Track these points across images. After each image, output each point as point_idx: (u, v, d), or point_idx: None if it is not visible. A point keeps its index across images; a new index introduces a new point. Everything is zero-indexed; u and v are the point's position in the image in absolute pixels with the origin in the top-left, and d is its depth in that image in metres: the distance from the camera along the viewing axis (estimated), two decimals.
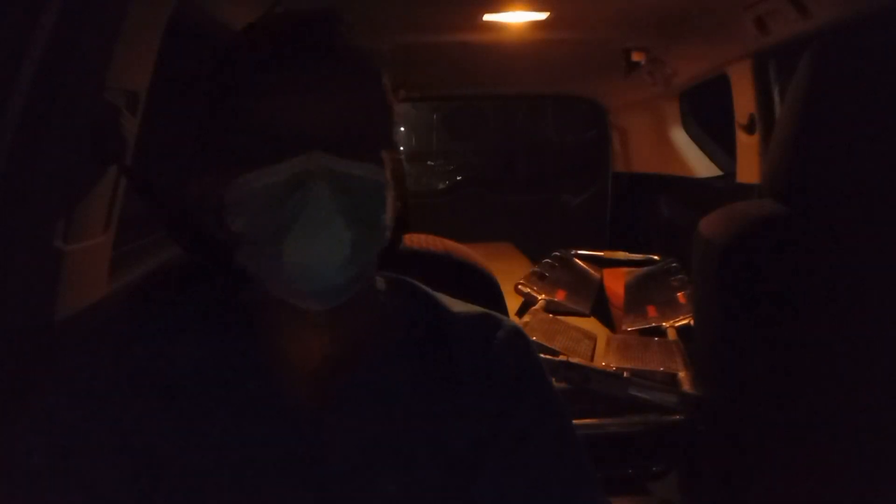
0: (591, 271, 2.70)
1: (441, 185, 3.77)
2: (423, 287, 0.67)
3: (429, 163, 3.94)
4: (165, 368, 0.57)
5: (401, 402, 0.58)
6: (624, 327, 2.07)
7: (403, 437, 0.57)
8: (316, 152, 0.50)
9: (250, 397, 0.56)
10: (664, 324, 1.97)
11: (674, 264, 2.52)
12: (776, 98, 1.86)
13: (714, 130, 2.65)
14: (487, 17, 1.83)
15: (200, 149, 0.57)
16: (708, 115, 2.69)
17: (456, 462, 0.57)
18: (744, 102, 1.94)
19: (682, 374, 1.54)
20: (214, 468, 0.55)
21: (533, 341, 0.66)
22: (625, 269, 2.66)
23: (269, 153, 0.51)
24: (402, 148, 3.99)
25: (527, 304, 2.21)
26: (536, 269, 2.50)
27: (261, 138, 0.51)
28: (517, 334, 0.63)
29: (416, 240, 0.87)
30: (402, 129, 4.38)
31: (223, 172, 0.53)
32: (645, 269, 2.62)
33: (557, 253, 2.74)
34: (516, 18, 1.84)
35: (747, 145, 1.97)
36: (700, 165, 2.68)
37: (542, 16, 1.80)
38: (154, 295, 0.72)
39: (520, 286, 2.26)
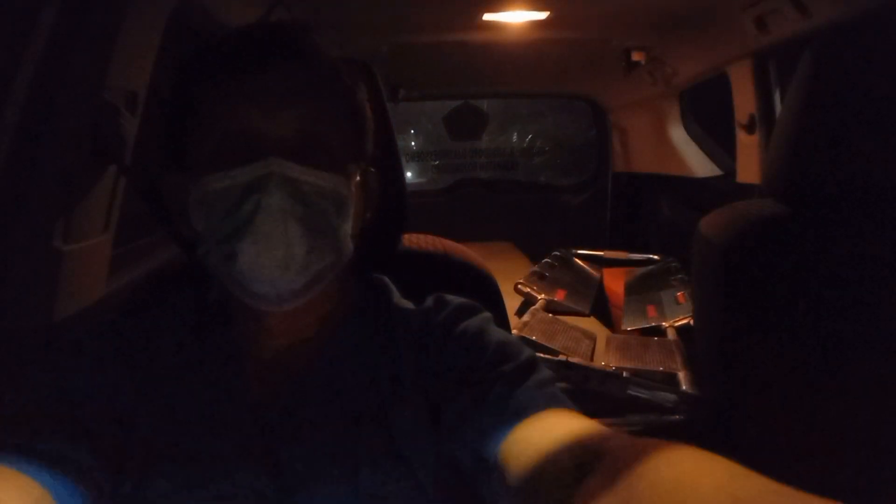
0: (591, 271, 2.70)
1: (441, 185, 3.76)
2: (384, 280, 0.69)
3: (433, 162, 3.94)
4: (145, 358, 0.59)
5: (352, 392, 0.59)
6: (624, 327, 2.07)
7: (353, 427, 0.57)
8: (274, 158, 0.51)
9: (214, 388, 0.58)
10: (664, 323, 1.97)
11: (673, 264, 2.52)
12: (776, 98, 1.86)
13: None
14: (487, 17, 1.83)
15: (170, 148, 0.59)
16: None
17: (406, 446, 0.57)
18: (744, 102, 1.93)
19: (681, 374, 1.54)
20: (178, 455, 0.56)
21: (489, 315, 0.65)
22: (625, 269, 2.66)
23: (232, 157, 0.52)
24: (419, 148, 3.96)
25: (526, 304, 2.21)
26: (536, 268, 2.49)
27: (225, 142, 0.53)
28: (463, 306, 0.64)
29: (414, 240, 0.87)
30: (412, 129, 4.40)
31: (191, 172, 0.54)
32: (645, 268, 2.62)
33: (557, 252, 2.74)
34: (516, 18, 1.84)
35: (747, 145, 1.97)
36: (700, 165, 2.67)
37: (542, 15, 1.80)
38: (150, 295, 0.73)
39: (519, 286, 2.26)
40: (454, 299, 0.66)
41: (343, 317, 0.64)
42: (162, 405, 0.57)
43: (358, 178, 0.59)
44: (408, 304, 0.67)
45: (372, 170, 0.64)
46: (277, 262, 0.52)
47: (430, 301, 0.66)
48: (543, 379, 0.57)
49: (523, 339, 1.70)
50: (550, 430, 0.50)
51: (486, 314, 0.65)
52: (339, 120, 0.57)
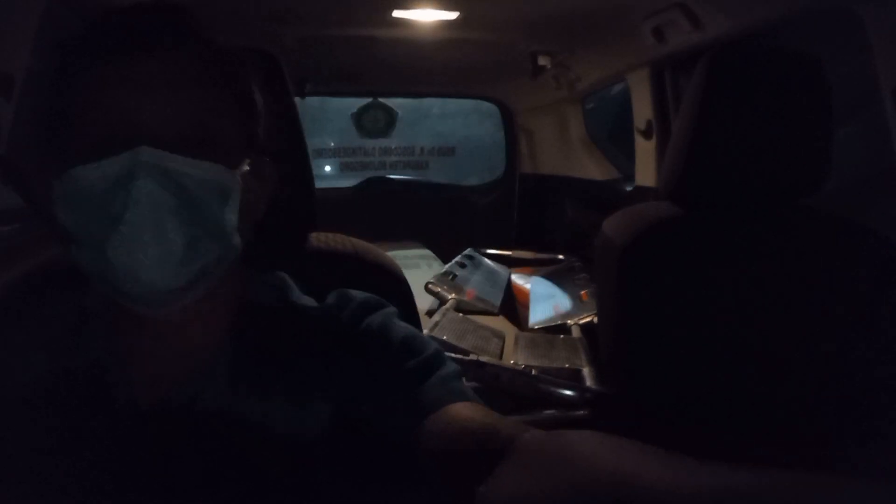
0: (500, 270, 2.75)
1: (350, 184, 3.71)
2: (282, 276, 0.66)
3: (343, 160, 3.88)
4: (13, 374, 0.54)
5: (250, 401, 0.55)
6: (531, 325, 2.11)
7: (250, 442, 0.54)
8: (145, 148, 0.47)
9: (94, 406, 0.53)
10: (569, 321, 2.03)
11: (577, 263, 2.60)
12: (671, 105, 1.95)
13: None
14: (397, 14, 1.81)
15: (40, 139, 0.53)
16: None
17: (307, 456, 0.55)
18: (642, 109, 2.03)
19: (586, 370, 1.59)
20: (49, 471, 0.51)
21: (395, 310, 0.64)
22: (531, 268, 2.72)
23: (98, 147, 0.48)
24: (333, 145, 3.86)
25: (437, 304, 2.21)
26: (446, 268, 2.50)
27: (91, 131, 0.49)
28: (367, 302, 0.63)
29: (323, 239, 0.85)
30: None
31: (58, 165, 0.50)
32: (550, 267, 2.70)
33: (467, 252, 2.77)
34: (426, 17, 1.83)
35: (645, 150, 2.07)
36: (601, 168, 2.78)
37: (453, 15, 1.81)
38: (22, 299, 0.66)
39: (430, 285, 2.26)
40: (357, 295, 0.64)
41: (237, 318, 0.60)
42: (32, 431, 0.52)
43: (247, 167, 0.56)
44: (309, 302, 0.64)
45: (266, 159, 0.61)
46: (153, 258, 0.48)
47: (332, 298, 0.64)
48: (449, 374, 0.57)
49: (434, 339, 1.70)
50: (459, 423, 0.50)
51: (391, 309, 0.63)
52: (219, 106, 0.53)
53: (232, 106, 0.55)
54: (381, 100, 3.58)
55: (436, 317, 1.95)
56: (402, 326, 0.61)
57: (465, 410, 0.52)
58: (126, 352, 0.56)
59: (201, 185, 0.50)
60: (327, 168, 3.93)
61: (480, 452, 0.45)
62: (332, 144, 3.92)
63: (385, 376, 0.56)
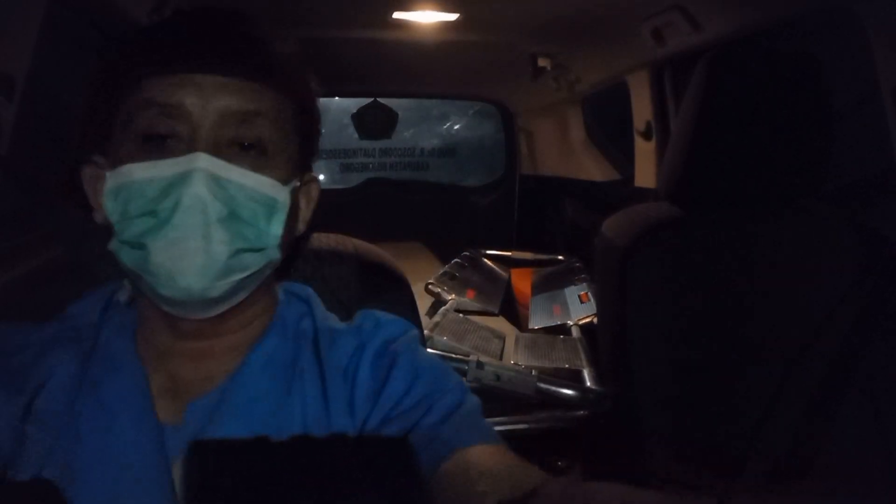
0: (500, 271, 2.75)
1: (349, 184, 3.71)
2: (308, 290, 0.66)
3: (343, 161, 3.88)
4: (36, 379, 0.53)
5: (269, 418, 0.54)
6: (531, 326, 2.12)
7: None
8: (203, 154, 0.48)
9: (112, 411, 0.52)
10: (569, 322, 2.03)
11: (577, 264, 2.60)
12: (671, 106, 1.95)
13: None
14: (397, 15, 1.82)
15: (90, 134, 0.53)
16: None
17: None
18: (642, 110, 2.03)
19: (586, 371, 1.59)
20: (75, 476, 0.50)
21: (420, 334, 0.65)
22: (531, 269, 2.73)
23: (158, 147, 0.48)
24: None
25: (437, 304, 2.21)
26: (447, 269, 2.51)
27: (152, 131, 0.49)
28: (391, 325, 0.63)
29: (324, 239, 0.85)
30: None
31: (111, 159, 0.50)
32: (550, 268, 2.70)
33: (467, 253, 2.77)
34: (426, 18, 1.83)
35: (645, 151, 2.07)
36: (601, 169, 2.78)
37: (453, 17, 1.81)
38: (35, 296, 0.66)
39: (430, 286, 2.26)
40: (382, 317, 0.64)
41: (264, 328, 0.59)
42: (53, 433, 0.51)
43: (298, 183, 0.56)
44: (334, 320, 0.63)
45: (316, 177, 0.61)
46: (195, 266, 0.48)
47: (358, 319, 0.63)
48: (471, 410, 0.56)
49: (432, 339, 1.70)
50: (479, 467, 0.49)
51: (413, 332, 0.63)
52: (281, 118, 0.53)
53: (294, 119, 0.55)
54: (382, 101, 3.58)
55: (436, 317, 1.95)
56: (426, 356, 0.61)
57: (486, 454, 0.51)
58: (149, 354, 0.56)
59: (252, 198, 0.50)
60: (326, 170, 3.93)
61: (502, 499, 0.44)
62: (332, 146, 3.92)
63: (407, 408, 0.55)
